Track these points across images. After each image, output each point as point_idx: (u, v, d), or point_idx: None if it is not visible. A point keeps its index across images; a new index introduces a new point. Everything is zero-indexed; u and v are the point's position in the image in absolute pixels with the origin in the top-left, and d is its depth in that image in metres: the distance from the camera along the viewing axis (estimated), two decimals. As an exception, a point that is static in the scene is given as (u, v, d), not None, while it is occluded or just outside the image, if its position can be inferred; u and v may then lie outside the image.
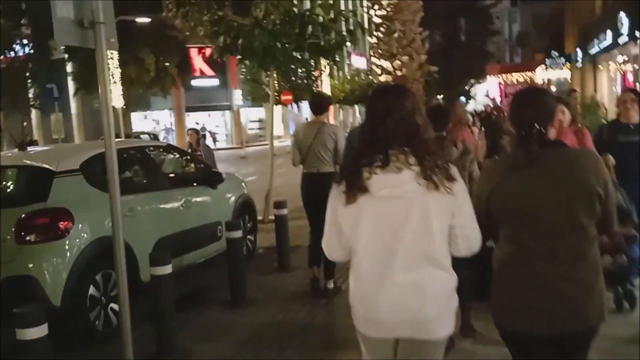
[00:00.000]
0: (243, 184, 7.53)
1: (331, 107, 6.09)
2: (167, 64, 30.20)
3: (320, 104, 5.72)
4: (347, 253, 2.31)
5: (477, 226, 2.25)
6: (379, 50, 9.00)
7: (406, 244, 2.15)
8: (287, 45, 9.53)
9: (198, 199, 6.25)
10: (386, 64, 8.94)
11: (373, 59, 9.43)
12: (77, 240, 4.59)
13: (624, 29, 16.56)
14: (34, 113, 29.37)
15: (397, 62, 8.80)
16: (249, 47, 9.21)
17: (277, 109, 38.06)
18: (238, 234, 5.47)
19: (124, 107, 24.86)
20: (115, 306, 4.67)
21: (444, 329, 2.25)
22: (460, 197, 2.19)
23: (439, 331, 2.24)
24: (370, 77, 33.31)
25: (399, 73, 8.91)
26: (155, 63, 29.27)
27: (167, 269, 4.26)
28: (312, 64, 31.25)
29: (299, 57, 11.02)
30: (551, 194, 2.22)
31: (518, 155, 2.30)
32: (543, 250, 2.22)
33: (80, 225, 4.64)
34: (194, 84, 37.68)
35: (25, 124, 27.83)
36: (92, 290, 4.67)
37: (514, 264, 2.28)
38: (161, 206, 5.65)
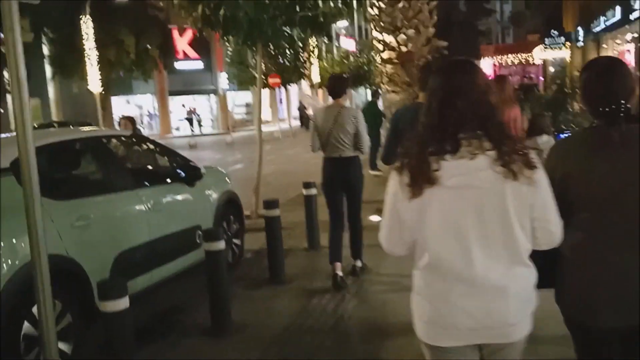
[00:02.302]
0: (227, 178, 6.41)
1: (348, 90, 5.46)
2: (148, 45, 28.86)
3: (338, 86, 5.43)
4: (409, 247, 2.05)
5: (559, 219, 1.99)
6: (381, 23, 8.06)
7: (483, 239, 1.90)
8: (275, 18, 8.40)
9: (171, 200, 5.13)
10: (389, 38, 8.02)
11: (374, 33, 8.48)
12: (4, 263, 3.47)
13: (637, 4, 15.52)
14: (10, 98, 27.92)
15: (401, 36, 7.88)
16: (232, 19, 8.07)
17: (265, 93, 36.99)
18: (219, 245, 4.37)
19: (103, 91, 23.66)
20: (62, 345, 3.60)
21: (524, 329, 2.01)
22: (543, 187, 1.92)
23: (518, 333, 1.99)
24: (364, 57, 32.22)
25: (403, 48, 7.99)
26: (135, 45, 27.96)
27: (122, 304, 3.15)
28: (301, 44, 30.31)
29: (289, 33, 9.93)
30: (634, 179, 2.01)
31: (600, 134, 2.08)
32: (628, 238, 2.04)
33: (9, 242, 3.52)
34: (178, 66, 36.37)
35: (1, 111, 26.42)
36: (26, 327, 3.55)
37: (593, 254, 2.09)
38: (123, 211, 4.53)
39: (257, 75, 9.62)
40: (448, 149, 1.87)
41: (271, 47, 10.26)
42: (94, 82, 22.58)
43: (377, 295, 5.13)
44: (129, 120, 7.57)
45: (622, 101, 2.03)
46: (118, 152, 5.12)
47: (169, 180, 5.25)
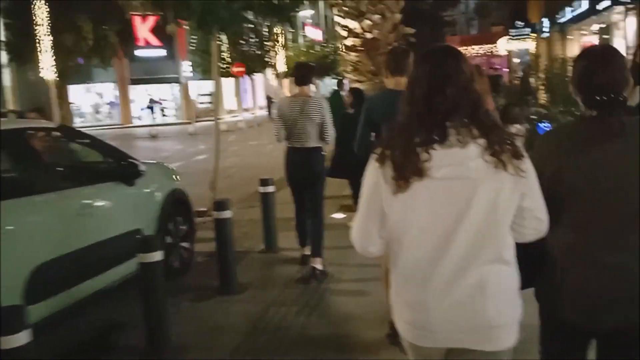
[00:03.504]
0: (174, 175, 5.80)
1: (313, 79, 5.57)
2: (107, 32, 27.81)
3: (305, 75, 5.38)
4: (384, 246, 1.93)
5: (545, 207, 1.89)
6: (345, 8, 7.60)
7: (468, 234, 1.78)
8: (232, 1, 7.80)
9: (104, 202, 4.49)
10: (353, 24, 7.55)
11: (337, 19, 8.02)
12: None
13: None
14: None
15: (366, 22, 7.43)
16: (183, 1, 7.43)
17: (229, 82, 36.12)
18: (154, 255, 3.78)
19: (58, 78, 22.66)
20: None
21: (509, 338, 1.86)
22: (531, 176, 1.83)
23: (502, 341, 1.84)
24: (330, 46, 31.74)
25: (368, 35, 7.52)
26: (93, 31, 26.88)
27: (20, 338, 2.56)
28: (266, 33, 29.67)
29: (250, 20, 9.34)
30: (637, 171, 1.88)
31: (597, 125, 1.97)
32: (621, 238, 1.93)
33: None
34: (139, 54, 35.27)
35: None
36: None
37: (584, 253, 1.97)
38: (42, 217, 3.89)
39: (217, 63, 9.01)
40: (436, 139, 1.77)
41: (231, 33, 9.66)
42: (48, 69, 21.56)
43: (339, 308, 4.61)
44: (38, 113, 6.34)
45: (620, 91, 1.95)
46: (39, 147, 4.46)
47: (102, 179, 4.62)
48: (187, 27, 8.42)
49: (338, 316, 4.44)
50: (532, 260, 2.05)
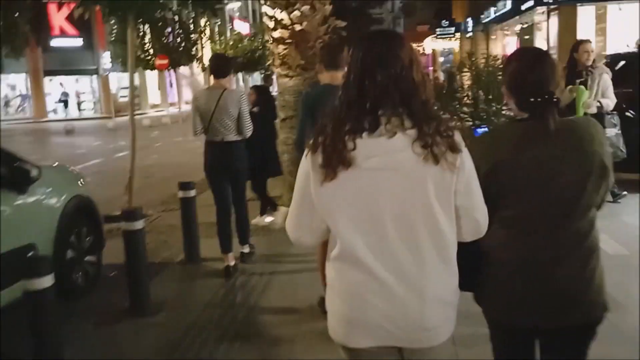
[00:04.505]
0: (77, 179, 5.11)
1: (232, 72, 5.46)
2: (17, 19, 26.03)
3: (222, 67, 5.20)
4: (318, 237, 1.85)
5: (485, 207, 1.82)
6: None
7: (403, 231, 1.71)
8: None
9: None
10: (282, 15, 7.19)
11: (265, 8, 7.63)
12: None
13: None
14: None
15: (295, 13, 7.10)
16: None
17: (153, 75, 34.65)
18: (44, 281, 3.15)
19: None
20: None
21: (444, 334, 1.80)
22: (467, 173, 1.74)
23: (436, 339, 1.79)
24: (258, 40, 31.05)
25: (297, 27, 7.17)
26: (2, 18, 25.09)
27: None
28: (191, 25, 28.60)
29: (168, 5, 8.69)
30: (568, 171, 1.94)
31: (532, 126, 1.98)
32: (552, 235, 1.96)
33: None
34: (54, 44, 33.24)
35: None
36: None
37: (517, 251, 1.99)
38: None
39: (140, 53, 8.32)
40: (366, 127, 1.70)
41: (148, 21, 8.99)
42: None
43: (267, 330, 4.11)
44: None
45: (552, 91, 1.98)
46: None
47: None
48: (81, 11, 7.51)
49: (266, 340, 3.94)
50: (470, 261, 2.00)
